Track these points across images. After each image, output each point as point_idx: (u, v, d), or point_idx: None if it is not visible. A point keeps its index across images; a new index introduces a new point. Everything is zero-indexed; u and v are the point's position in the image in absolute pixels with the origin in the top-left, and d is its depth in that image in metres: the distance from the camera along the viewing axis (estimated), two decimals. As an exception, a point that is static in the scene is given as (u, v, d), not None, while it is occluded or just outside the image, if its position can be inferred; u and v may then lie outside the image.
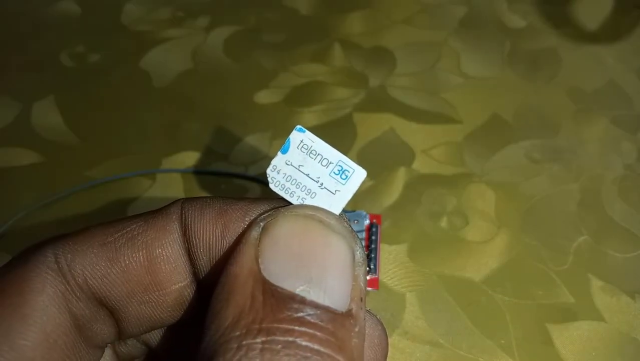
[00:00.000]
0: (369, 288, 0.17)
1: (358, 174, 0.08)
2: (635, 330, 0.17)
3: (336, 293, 0.07)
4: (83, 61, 0.26)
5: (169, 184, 0.21)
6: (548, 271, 0.18)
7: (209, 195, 0.21)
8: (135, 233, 0.08)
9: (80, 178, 0.21)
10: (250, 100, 0.24)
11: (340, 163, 0.08)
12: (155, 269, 0.08)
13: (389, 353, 0.16)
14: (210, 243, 0.08)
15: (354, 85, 0.25)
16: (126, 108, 0.24)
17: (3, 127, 0.23)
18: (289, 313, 0.06)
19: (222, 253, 0.08)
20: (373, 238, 0.17)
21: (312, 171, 0.08)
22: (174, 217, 0.08)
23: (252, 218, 0.08)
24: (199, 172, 0.21)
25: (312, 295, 0.07)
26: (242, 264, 0.07)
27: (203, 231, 0.08)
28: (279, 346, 0.06)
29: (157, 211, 0.08)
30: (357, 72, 0.25)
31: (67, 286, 0.08)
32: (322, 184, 0.08)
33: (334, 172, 0.08)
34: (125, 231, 0.08)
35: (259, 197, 0.08)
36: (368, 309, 0.08)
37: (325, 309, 0.07)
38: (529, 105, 0.24)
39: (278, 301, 0.07)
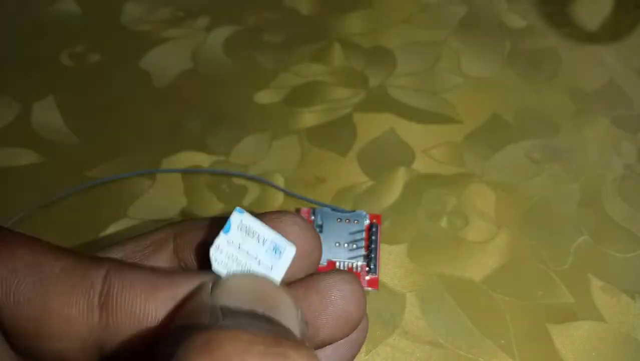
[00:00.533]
0: (369, 288, 0.18)
1: (289, 251, 0.09)
2: (636, 330, 0.17)
3: (292, 325, 0.07)
4: (83, 61, 0.26)
5: (169, 184, 0.21)
6: (548, 271, 0.18)
7: (210, 194, 0.21)
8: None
9: (80, 178, 0.21)
10: (250, 100, 0.24)
11: (274, 241, 0.09)
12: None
13: (389, 353, 0.16)
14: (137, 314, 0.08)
15: (353, 85, 0.25)
16: (126, 108, 0.24)
17: (3, 127, 0.23)
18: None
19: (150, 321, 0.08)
20: (373, 237, 0.17)
21: (251, 249, 0.09)
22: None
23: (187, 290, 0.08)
24: (199, 172, 0.21)
25: (272, 325, 0.07)
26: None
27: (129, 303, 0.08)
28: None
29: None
30: (357, 72, 0.25)
31: None
32: (259, 261, 0.09)
33: (269, 250, 0.09)
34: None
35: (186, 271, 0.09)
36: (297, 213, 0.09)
37: (275, 337, 0.07)
38: (529, 105, 0.24)
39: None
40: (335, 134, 0.23)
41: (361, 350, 0.16)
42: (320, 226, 0.16)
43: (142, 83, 0.25)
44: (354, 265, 0.17)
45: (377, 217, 0.17)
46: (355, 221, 0.16)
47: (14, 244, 0.08)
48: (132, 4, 0.29)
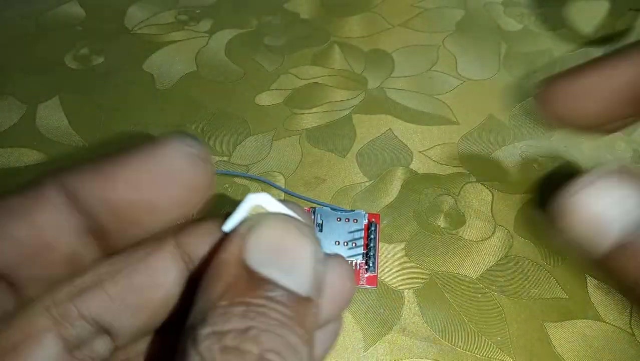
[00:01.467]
0: (367, 286, 0.18)
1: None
2: (631, 328, 0.17)
3: (302, 282, 0.09)
4: (87, 63, 0.26)
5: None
6: (544, 269, 0.19)
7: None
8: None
9: (85, 178, 0.21)
10: (251, 102, 0.24)
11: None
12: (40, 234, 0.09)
13: (387, 350, 0.17)
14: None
15: (353, 87, 0.25)
16: (130, 110, 0.24)
17: (8, 128, 0.23)
18: (265, 293, 0.08)
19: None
20: (372, 236, 0.17)
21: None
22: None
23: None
24: (201, 172, 0.22)
25: (283, 281, 0.09)
26: (231, 251, 0.09)
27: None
28: (254, 314, 0.08)
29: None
30: (356, 74, 0.26)
31: (73, 209, 0.08)
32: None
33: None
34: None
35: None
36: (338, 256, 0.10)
37: (292, 292, 0.09)
38: (524, 106, 0.24)
39: (257, 283, 0.09)
40: (334, 135, 0.23)
41: (360, 346, 0.16)
42: (320, 225, 0.16)
43: (146, 85, 0.25)
44: (353, 263, 0.17)
45: (376, 216, 0.17)
46: (355, 220, 0.17)
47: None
48: (136, 7, 0.29)
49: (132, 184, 0.09)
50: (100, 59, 0.26)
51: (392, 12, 0.29)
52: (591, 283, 0.18)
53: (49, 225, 0.09)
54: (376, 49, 0.27)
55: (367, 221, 0.17)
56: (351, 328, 0.17)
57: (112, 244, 0.10)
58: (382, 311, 0.17)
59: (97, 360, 0.10)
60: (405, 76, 0.26)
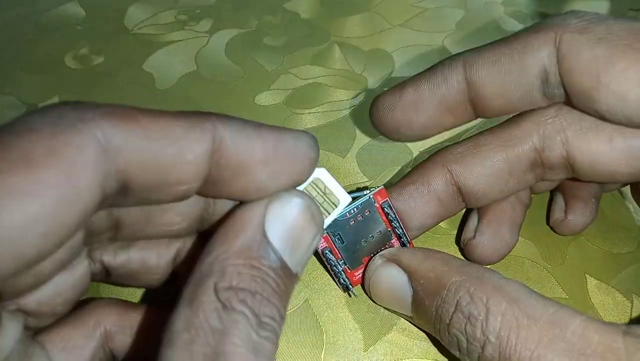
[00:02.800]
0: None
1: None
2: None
3: (298, 262, 0.11)
4: (87, 63, 0.26)
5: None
6: (544, 269, 0.19)
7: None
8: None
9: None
10: (251, 102, 0.24)
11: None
12: (181, 169, 0.10)
13: (388, 350, 0.17)
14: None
15: (353, 87, 0.25)
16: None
17: (9, 128, 0.23)
18: (271, 263, 0.10)
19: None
20: (390, 216, 0.16)
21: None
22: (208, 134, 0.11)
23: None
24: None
25: (286, 257, 0.11)
26: (253, 215, 0.10)
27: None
28: (260, 280, 0.10)
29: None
30: (356, 74, 0.26)
31: (107, 164, 0.09)
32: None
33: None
34: (167, 131, 0.10)
35: None
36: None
37: (289, 269, 0.11)
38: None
39: (267, 251, 0.10)
40: (335, 135, 0.23)
41: (360, 346, 0.16)
42: (340, 237, 0.16)
43: (146, 85, 0.25)
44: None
45: (381, 193, 0.16)
46: (367, 211, 0.16)
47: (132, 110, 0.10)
48: (136, 7, 0.29)
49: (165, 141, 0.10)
50: (100, 59, 0.26)
51: (392, 12, 0.29)
52: (591, 283, 0.18)
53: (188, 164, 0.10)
54: (376, 49, 0.27)
55: (377, 204, 0.16)
56: (351, 328, 0.17)
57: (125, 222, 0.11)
58: (382, 311, 0.17)
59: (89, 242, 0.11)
60: (405, 76, 0.26)
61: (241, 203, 0.11)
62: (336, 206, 0.13)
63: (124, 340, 0.12)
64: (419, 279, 0.14)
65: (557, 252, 0.19)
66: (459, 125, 0.16)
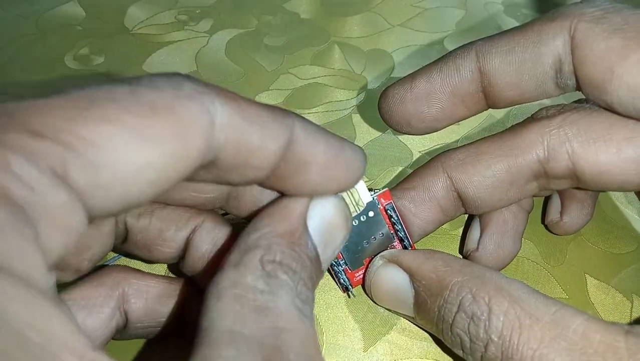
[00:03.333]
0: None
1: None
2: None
3: (328, 258, 0.12)
4: (87, 63, 0.26)
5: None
6: (544, 269, 0.19)
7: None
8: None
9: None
10: (251, 102, 0.24)
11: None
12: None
13: (388, 350, 0.17)
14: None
15: (353, 87, 0.25)
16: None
17: (9, 128, 0.23)
18: (307, 251, 0.11)
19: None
20: (393, 218, 0.16)
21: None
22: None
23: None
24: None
25: (319, 251, 0.12)
26: (299, 206, 0.11)
27: None
28: (299, 264, 0.11)
29: None
30: (356, 74, 0.26)
31: (213, 134, 0.10)
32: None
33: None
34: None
35: None
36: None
37: (319, 260, 0.12)
38: (524, 106, 0.24)
39: (306, 240, 0.11)
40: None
41: (360, 346, 0.16)
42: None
43: (145, 85, 0.25)
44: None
45: (385, 195, 0.16)
46: (371, 213, 0.16)
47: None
48: (136, 7, 0.29)
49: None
50: (100, 59, 0.26)
51: (392, 12, 0.29)
52: (591, 283, 0.18)
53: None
54: (376, 49, 0.27)
55: (380, 206, 0.16)
56: (351, 328, 0.17)
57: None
58: (382, 311, 0.17)
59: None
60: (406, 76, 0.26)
61: (283, 195, 0.12)
62: (360, 208, 0.15)
63: (138, 303, 0.13)
64: (420, 279, 0.14)
65: (557, 252, 0.19)
66: (470, 116, 0.16)
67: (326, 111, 0.24)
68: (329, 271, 0.17)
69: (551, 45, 0.14)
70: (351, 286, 0.16)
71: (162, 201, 0.13)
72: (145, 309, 0.13)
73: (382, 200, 0.16)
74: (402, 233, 0.16)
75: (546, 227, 0.19)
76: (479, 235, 0.17)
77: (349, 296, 0.17)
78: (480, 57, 0.15)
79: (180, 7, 0.29)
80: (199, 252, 0.13)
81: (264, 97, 0.25)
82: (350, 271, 0.16)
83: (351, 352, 0.16)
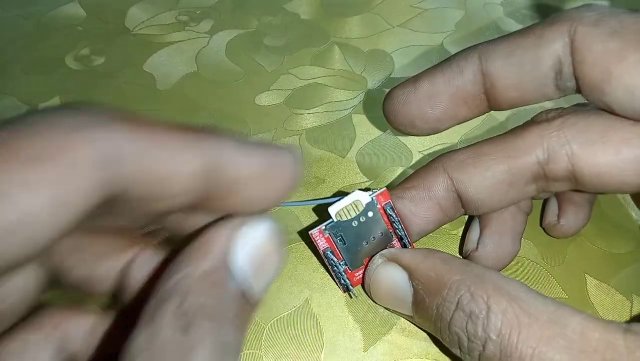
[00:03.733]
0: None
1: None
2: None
3: (258, 292, 0.11)
4: (88, 64, 0.26)
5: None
6: (544, 269, 0.19)
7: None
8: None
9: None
10: (251, 102, 0.24)
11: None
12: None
13: (387, 350, 0.17)
14: None
15: (353, 87, 0.25)
16: (130, 110, 0.24)
17: (9, 129, 0.23)
18: (230, 289, 0.10)
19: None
20: (392, 218, 0.16)
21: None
22: None
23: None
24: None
25: (247, 283, 0.10)
26: (219, 242, 0.10)
27: None
28: (218, 302, 0.10)
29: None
30: (356, 74, 0.26)
31: (106, 170, 0.09)
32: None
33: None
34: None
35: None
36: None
37: (247, 297, 0.10)
38: (525, 109, 0.24)
39: (228, 277, 0.10)
40: (334, 135, 0.23)
41: (359, 346, 0.16)
42: (342, 238, 0.16)
43: (146, 86, 0.25)
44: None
45: (384, 194, 0.16)
46: (370, 213, 0.16)
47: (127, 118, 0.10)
48: (137, 8, 0.29)
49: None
50: (101, 60, 0.26)
51: (392, 12, 0.29)
52: (591, 283, 0.18)
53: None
54: (376, 50, 0.27)
55: (379, 205, 0.16)
56: (351, 328, 0.17)
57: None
58: (382, 311, 0.17)
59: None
60: (405, 77, 0.26)
61: (209, 224, 0.11)
62: (359, 210, 0.15)
63: (81, 343, 0.12)
64: (419, 278, 0.14)
65: (557, 252, 0.19)
66: (472, 118, 0.16)
67: (326, 111, 0.24)
68: (329, 272, 0.17)
69: (551, 48, 0.14)
70: (352, 286, 0.17)
71: (95, 231, 0.12)
72: (90, 348, 0.12)
73: (381, 199, 0.16)
74: (401, 232, 0.16)
75: (544, 230, 0.19)
76: (478, 235, 0.17)
77: (351, 297, 0.17)
78: (483, 60, 0.15)
79: (180, 7, 0.29)
80: (137, 283, 0.12)
81: (264, 98, 0.25)
82: (350, 271, 0.16)
83: (351, 352, 0.16)
